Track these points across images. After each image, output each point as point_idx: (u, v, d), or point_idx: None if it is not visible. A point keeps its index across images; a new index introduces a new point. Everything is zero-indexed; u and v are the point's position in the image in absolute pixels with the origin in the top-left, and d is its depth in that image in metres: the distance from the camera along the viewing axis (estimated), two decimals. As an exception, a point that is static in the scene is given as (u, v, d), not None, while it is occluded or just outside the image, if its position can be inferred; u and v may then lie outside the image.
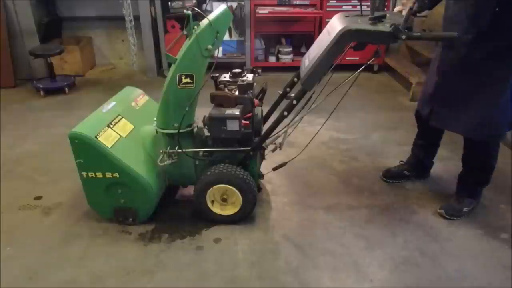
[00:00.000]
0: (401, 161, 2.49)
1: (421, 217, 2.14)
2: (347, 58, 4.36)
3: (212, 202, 2.04)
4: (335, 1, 4.17)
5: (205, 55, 1.83)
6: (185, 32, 1.84)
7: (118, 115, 2.08)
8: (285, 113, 1.92)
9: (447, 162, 2.67)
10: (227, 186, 1.96)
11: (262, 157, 2.30)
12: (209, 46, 1.81)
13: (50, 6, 4.51)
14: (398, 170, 2.44)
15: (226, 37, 4.43)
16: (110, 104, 2.13)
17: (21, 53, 4.18)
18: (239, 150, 1.99)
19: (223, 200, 2.03)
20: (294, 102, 1.90)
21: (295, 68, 4.59)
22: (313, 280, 1.74)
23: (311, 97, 1.97)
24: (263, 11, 4.21)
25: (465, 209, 2.13)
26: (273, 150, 2.14)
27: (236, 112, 1.89)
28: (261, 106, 2.13)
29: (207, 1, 4.34)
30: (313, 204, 2.25)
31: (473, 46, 1.79)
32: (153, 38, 4.38)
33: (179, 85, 1.86)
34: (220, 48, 4.40)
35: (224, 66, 4.76)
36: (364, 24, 1.67)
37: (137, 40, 4.20)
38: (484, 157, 2.08)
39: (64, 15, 4.67)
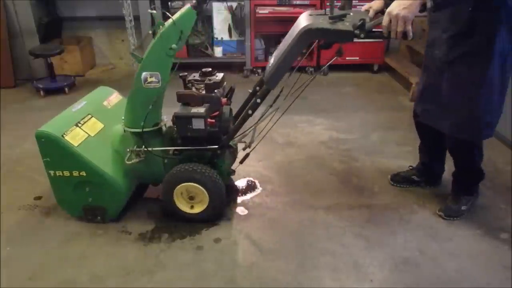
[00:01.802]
0: (410, 166, 2.46)
1: (421, 217, 2.14)
2: (347, 58, 4.41)
3: (180, 200, 2.05)
4: (335, 1, 4.16)
5: (169, 54, 1.85)
6: (150, 32, 1.86)
7: (88, 114, 2.10)
8: (250, 111, 1.94)
9: (447, 162, 2.66)
10: (193, 184, 1.97)
11: (234, 156, 2.32)
12: (174, 46, 1.83)
13: (50, 6, 4.51)
14: (407, 175, 2.41)
15: (226, 37, 4.43)
16: (80, 104, 2.16)
17: (21, 53, 4.18)
18: (206, 148, 2.00)
19: (190, 198, 2.03)
20: (258, 100, 1.93)
21: (295, 68, 4.54)
22: (313, 280, 1.74)
23: (279, 95, 2.01)
24: (263, 11, 4.21)
25: (463, 208, 2.12)
26: (244, 149, 2.16)
27: (202, 110, 1.91)
28: (229, 105, 2.14)
29: (207, 1, 4.34)
30: (313, 204, 2.25)
31: (451, 44, 1.78)
32: (153, 38, 4.38)
33: (144, 84, 1.87)
34: (220, 48, 4.45)
35: (224, 66, 4.78)
36: (325, 23, 1.69)
37: (137, 40, 4.21)
38: (468, 156, 2.06)
39: (64, 15, 4.67)
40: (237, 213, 2.18)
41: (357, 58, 4.47)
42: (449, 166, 2.61)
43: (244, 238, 1.99)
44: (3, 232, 2.04)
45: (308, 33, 1.70)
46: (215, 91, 1.99)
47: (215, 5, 4.27)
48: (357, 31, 1.62)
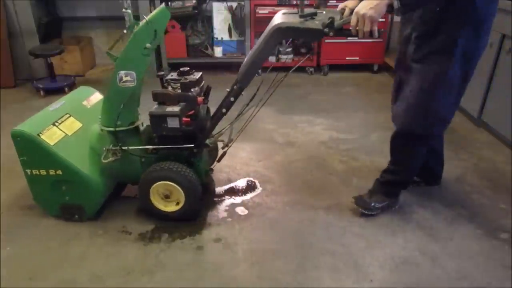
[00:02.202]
0: None
1: (421, 217, 2.14)
2: (347, 58, 4.42)
3: (156, 198, 2.06)
4: (335, 1, 4.16)
5: (144, 53, 1.87)
6: (125, 31, 1.88)
7: (66, 113, 2.13)
8: (224, 110, 1.97)
9: (447, 162, 2.67)
10: (169, 182, 1.98)
11: (215, 155, 2.34)
12: (148, 45, 1.85)
13: (50, 6, 4.51)
14: None
15: (226, 37, 4.43)
16: (59, 103, 2.18)
17: (21, 53, 4.17)
18: (182, 147, 2.01)
19: (166, 197, 2.04)
20: (232, 99, 1.95)
21: (295, 68, 4.56)
22: (313, 280, 1.74)
23: (255, 94, 2.06)
24: (263, 11, 4.21)
25: (373, 204, 2.12)
26: (223, 147, 2.18)
27: (176, 109, 1.92)
28: (206, 103, 2.14)
29: (207, 1, 4.34)
30: (313, 204, 2.25)
31: (419, 43, 1.78)
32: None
33: (119, 83, 1.89)
34: (220, 48, 4.45)
35: (224, 66, 4.78)
36: (296, 22, 1.71)
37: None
38: (410, 152, 2.06)
39: (64, 15, 4.67)
40: (237, 213, 2.18)
41: (357, 58, 4.47)
42: (450, 166, 2.62)
43: (244, 238, 1.99)
44: (3, 232, 2.04)
45: (278, 32, 1.72)
46: (192, 90, 2.00)
47: (215, 5, 4.27)
48: (326, 29, 1.64)
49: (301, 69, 4.59)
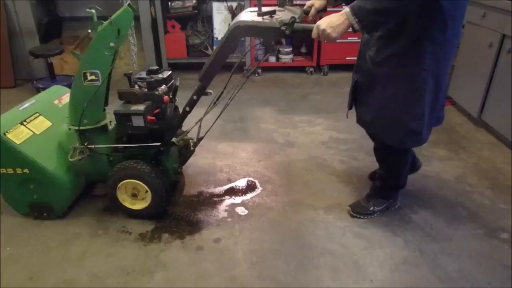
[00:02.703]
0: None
1: (421, 217, 2.14)
2: (347, 58, 4.41)
3: (124, 196, 2.08)
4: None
5: (108, 52, 1.89)
6: (90, 31, 1.91)
7: (36, 112, 2.14)
8: (187, 108, 1.97)
9: (447, 162, 2.67)
10: (135, 181, 2.00)
11: (188, 153, 2.36)
12: (112, 44, 1.88)
13: (50, 6, 4.51)
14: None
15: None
16: (28, 102, 2.20)
17: (21, 53, 4.18)
18: (148, 146, 2.02)
19: (134, 195, 2.06)
20: (194, 97, 1.95)
21: (295, 68, 4.60)
22: (313, 280, 1.74)
23: (222, 92, 2.08)
24: (263, 11, 4.20)
25: (372, 208, 2.11)
26: (194, 146, 2.22)
27: (141, 108, 1.93)
28: (173, 102, 2.15)
29: (207, 1, 4.34)
30: (313, 204, 2.25)
31: (381, 44, 1.71)
32: (153, 38, 4.38)
33: (84, 82, 1.91)
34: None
35: (224, 66, 4.76)
36: (256, 20, 1.71)
37: (137, 40, 4.20)
38: (395, 162, 2.03)
39: (64, 15, 4.67)
40: (237, 213, 2.18)
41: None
42: (450, 166, 2.61)
43: (244, 238, 1.99)
44: (3, 232, 2.04)
45: (237, 30, 1.73)
46: (160, 89, 2.02)
47: (215, 5, 4.27)
48: (283, 28, 1.63)
49: (301, 69, 4.59)
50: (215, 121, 2.16)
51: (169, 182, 2.15)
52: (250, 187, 2.41)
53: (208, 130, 2.21)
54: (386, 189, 2.14)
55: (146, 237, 2.00)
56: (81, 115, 1.93)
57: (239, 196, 2.34)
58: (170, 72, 2.14)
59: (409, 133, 1.79)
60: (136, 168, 1.98)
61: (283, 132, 3.11)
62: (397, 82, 1.71)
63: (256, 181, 2.47)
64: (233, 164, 2.66)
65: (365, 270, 1.80)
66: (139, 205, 2.08)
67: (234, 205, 2.25)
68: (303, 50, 4.74)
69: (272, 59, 4.59)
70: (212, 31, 4.41)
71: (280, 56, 4.54)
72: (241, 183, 2.46)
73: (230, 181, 2.48)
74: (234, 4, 4.28)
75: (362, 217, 2.12)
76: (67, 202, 2.13)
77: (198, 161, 2.70)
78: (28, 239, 2.00)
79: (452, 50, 1.69)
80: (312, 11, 1.92)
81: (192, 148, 2.26)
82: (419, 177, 2.50)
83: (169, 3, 4.23)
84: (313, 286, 1.72)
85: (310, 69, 4.51)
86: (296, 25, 1.63)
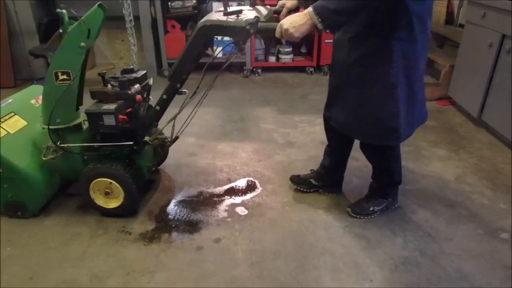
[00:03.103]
0: (312, 169, 2.38)
1: (421, 217, 2.14)
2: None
3: (97, 195, 2.09)
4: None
5: (79, 52, 1.91)
6: (61, 31, 1.93)
7: (11, 112, 2.16)
8: (158, 107, 2.00)
9: (447, 162, 2.67)
10: (107, 179, 2.01)
11: (163, 151, 2.40)
12: (82, 44, 1.89)
13: (50, 6, 4.51)
14: (305, 177, 2.33)
15: (226, 37, 4.42)
16: (4, 102, 2.22)
17: (21, 53, 4.18)
18: (119, 144, 2.04)
19: (107, 194, 2.07)
20: (164, 97, 1.98)
21: (295, 68, 4.60)
22: (313, 280, 1.74)
23: (195, 92, 2.11)
24: (263, 11, 4.20)
25: (372, 208, 2.12)
26: (169, 145, 2.24)
27: (112, 107, 1.96)
28: (146, 101, 2.16)
29: (207, 1, 4.34)
30: (313, 204, 2.25)
31: (352, 46, 1.73)
32: (153, 38, 4.38)
33: (56, 82, 1.93)
34: (220, 48, 4.44)
35: (226, 67, 4.75)
36: (222, 19, 1.73)
37: (137, 40, 4.20)
38: (380, 159, 2.04)
39: (64, 15, 4.67)
40: (237, 213, 2.18)
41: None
42: (449, 166, 2.61)
43: (244, 238, 1.99)
44: (3, 232, 2.04)
45: (203, 29, 1.76)
46: (132, 88, 2.03)
47: (215, 5, 4.27)
48: (248, 27, 1.65)
49: (301, 69, 4.60)
50: (190, 120, 2.17)
51: (144, 181, 2.17)
52: (250, 187, 2.41)
53: (182, 129, 2.22)
54: (383, 188, 2.14)
55: (146, 237, 2.00)
56: (50, 114, 1.95)
57: (239, 196, 2.34)
58: (144, 72, 2.17)
59: (386, 131, 1.81)
60: (109, 167, 2.00)
61: (283, 132, 3.11)
62: (370, 81, 1.73)
63: (256, 181, 2.47)
64: (233, 164, 2.66)
65: (365, 270, 1.80)
66: (112, 204, 2.10)
67: (234, 205, 2.25)
68: (303, 50, 4.74)
69: (272, 59, 4.59)
70: (212, 31, 4.41)
71: (280, 56, 4.55)
72: (241, 183, 2.46)
73: (230, 181, 2.48)
74: (234, 4, 4.27)
75: (362, 217, 2.12)
76: (41, 201, 2.14)
77: (198, 161, 2.70)
78: (28, 239, 2.00)
79: (421, 47, 1.71)
80: (284, 10, 1.93)
81: (166, 147, 2.31)
82: (419, 177, 2.51)
83: (169, 3, 4.23)
84: (313, 286, 1.72)
85: (310, 69, 4.51)
86: (260, 24, 1.66)
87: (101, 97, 2.02)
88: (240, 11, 1.75)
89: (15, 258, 1.88)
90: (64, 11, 1.91)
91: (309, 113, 3.44)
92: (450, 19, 4.49)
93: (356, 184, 2.44)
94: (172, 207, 2.23)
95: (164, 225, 2.08)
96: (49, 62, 3.96)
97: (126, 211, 2.11)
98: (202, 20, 1.79)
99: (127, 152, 2.08)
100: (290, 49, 4.52)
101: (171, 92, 1.97)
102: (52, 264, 1.84)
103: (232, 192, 2.37)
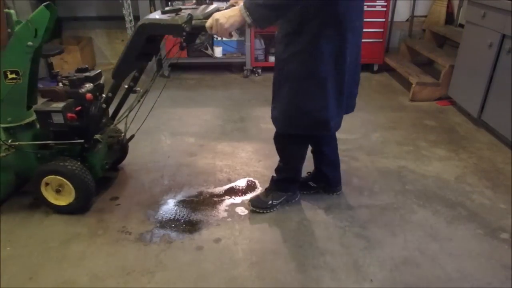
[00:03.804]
0: (308, 172, 2.39)
1: (421, 217, 2.14)
2: (347, 58, 4.42)
3: (49, 192, 2.11)
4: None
5: (27, 51, 1.94)
6: (9, 30, 1.95)
7: None
8: (104, 105, 2.05)
9: (447, 162, 2.68)
10: (58, 177, 2.04)
11: (121, 150, 2.44)
12: (30, 43, 1.93)
13: (50, 6, 4.51)
14: (304, 181, 2.32)
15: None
16: None
17: (21, 53, 4.17)
18: (69, 142, 2.08)
19: (57, 191, 2.10)
20: (110, 94, 2.02)
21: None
22: (313, 280, 1.74)
23: (147, 91, 2.17)
24: (263, 11, 4.20)
25: (271, 202, 2.17)
26: (126, 143, 2.31)
27: (60, 105, 1.99)
28: (97, 100, 2.17)
29: (207, 1, 4.34)
30: (313, 204, 2.25)
31: (286, 42, 1.79)
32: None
33: (6, 80, 1.96)
34: (220, 48, 4.46)
35: (224, 67, 4.77)
36: (161, 18, 1.76)
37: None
38: (291, 154, 2.10)
39: (64, 15, 4.67)
40: (237, 213, 2.18)
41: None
42: (449, 166, 2.61)
43: (244, 238, 1.99)
44: (3, 232, 2.04)
45: (142, 28, 1.79)
46: (84, 86, 2.06)
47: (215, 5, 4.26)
48: (184, 25, 1.69)
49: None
50: (145, 118, 2.26)
51: (97, 179, 2.19)
52: (250, 187, 2.41)
53: (138, 129, 2.29)
54: (283, 182, 2.19)
55: (146, 237, 2.00)
56: None
57: (239, 196, 2.34)
58: (99, 71, 2.20)
59: (316, 122, 1.88)
60: (59, 165, 2.03)
61: (283, 132, 3.11)
62: (301, 77, 1.80)
63: (256, 181, 2.47)
64: (233, 164, 2.66)
65: (365, 270, 1.80)
66: (63, 201, 2.12)
67: (234, 205, 2.25)
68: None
69: (272, 59, 4.58)
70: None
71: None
72: (241, 183, 2.46)
73: (230, 181, 2.48)
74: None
75: (261, 211, 2.17)
76: None
77: (198, 161, 2.70)
78: (28, 239, 2.00)
79: (350, 44, 1.76)
80: None
81: (123, 145, 2.36)
82: (419, 177, 2.51)
83: (169, 3, 4.23)
84: (313, 286, 1.72)
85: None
86: (194, 21, 1.70)
87: (51, 96, 2.06)
88: (179, 10, 1.80)
89: (15, 258, 1.88)
90: (12, 11, 1.95)
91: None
92: (450, 19, 4.50)
93: (356, 184, 2.44)
94: (172, 207, 2.23)
95: (164, 225, 2.08)
96: (49, 62, 3.97)
97: (77, 209, 2.13)
98: (143, 18, 1.83)
99: (79, 150, 2.11)
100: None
101: (115, 90, 2.02)
102: (52, 264, 1.84)
103: (232, 192, 2.37)
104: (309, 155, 2.17)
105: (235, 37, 4.42)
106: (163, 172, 2.57)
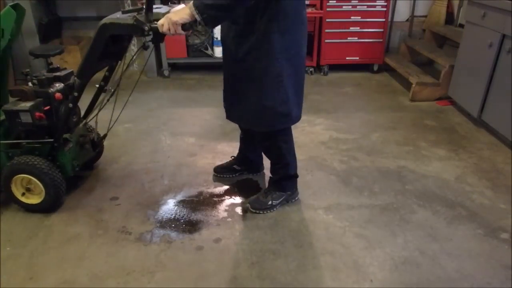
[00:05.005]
0: (232, 156, 2.53)
1: (421, 217, 2.14)
2: (347, 58, 4.42)
3: (19, 190, 2.13)
4: (335, 1, 4.17)
5: None
6: None
7: None
8: (70, 105, 2.07)
9: (447, 162, 2.67)
10: (27, 176, 2.06)
11: (94, 149, 2.46)
12: None
13: (50, 6, 4.51)
14: (228, 165, 2.49)
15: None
16: None
17: (21, 53, 4.17)
18: (36, 142, 2.10)
19: (28, 190, 2.11)
20: (75, 94, 2.04)
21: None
22: (313, 280, 1.74)
23: (115, 90, 2.22)
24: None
25: (271, 202, 2.17)
26: (97, 142, 2.39)
27: (28, 105, 1.98)
28: (67, 100, 2.17)
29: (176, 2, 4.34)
30: (313, 204, 2.25)
31: (238, 43, 1.82)
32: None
33: None
34: (220, 48, 4.43)
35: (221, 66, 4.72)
36: (121, 18, 1.79)
37: (137, 40, 4.21)
38: (279, 151, 2.11)
39: (64, 15, 4.67)
40: (237, 213, 2.18)
41: (357, 58, 4.47)
42: (449, 166, 2.61)
43: (244, 238, 1.99)
44: (3, 232, 2.04)
45: (103, 28, 1.83)
46: (54, 86, 2.07)
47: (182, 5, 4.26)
48: (135, 23, 1.72)
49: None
50: (117, 118, 2.28)
51: (67, 178, 2.20)
52: (250, 187, 2.41)
53: (109, 129, 2.34)
54: (280, 181, 2.20)
55: (146, 237, 2.00)
56: None
57: (239, 196, 2.33)
58: (70, 70, 2.21)
59: (278, 117, 1.92)
60: (28, 164, 2.04)
61: (283, 132, 3.11)
62: (257, 74, 1.83)
63: (256, 181, 2.47)
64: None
65: (365, 270, 1.80)
66: (33, 200, 2.14)
67: (234, 205, 2.25)
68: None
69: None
70: (212, 31, 4.41)
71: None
72: (241, 183, 2.46)
73: (230, 181, 2.48)
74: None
75: (262, 212, 2.17)
76: None
77: (198, 161, 2.70)
78: (28, 239, 2.00)
79: (301, 36, 1.82)
80: None
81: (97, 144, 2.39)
82: (419, 177, 2.51)
83: (169, 3, 4.22)
84: (313, 286, 1.72)
85: (310, 69, 4.51)
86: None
87: (19, 95, 2.06)
88: (140, 9, 1.83)
89: (15, 258, 1.88)
90: None
91: (309, 113, 3.43)
92: (450, 19, 4.50)
93: (356, 184, 2.44)
94: (172, 207, 2.23)
95: (164, 225, 2.08)
96: (49, 62, 3.96)
97: (47, 207, 2.14)
98: (105, 18, 1.85)
99: (49, 149, 2.12)
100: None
101: (81, 89, 2.04)
102: (52, 264, 1.84)
103: (232, 192, 2.37)
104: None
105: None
106: (163, 172, 2.57)
